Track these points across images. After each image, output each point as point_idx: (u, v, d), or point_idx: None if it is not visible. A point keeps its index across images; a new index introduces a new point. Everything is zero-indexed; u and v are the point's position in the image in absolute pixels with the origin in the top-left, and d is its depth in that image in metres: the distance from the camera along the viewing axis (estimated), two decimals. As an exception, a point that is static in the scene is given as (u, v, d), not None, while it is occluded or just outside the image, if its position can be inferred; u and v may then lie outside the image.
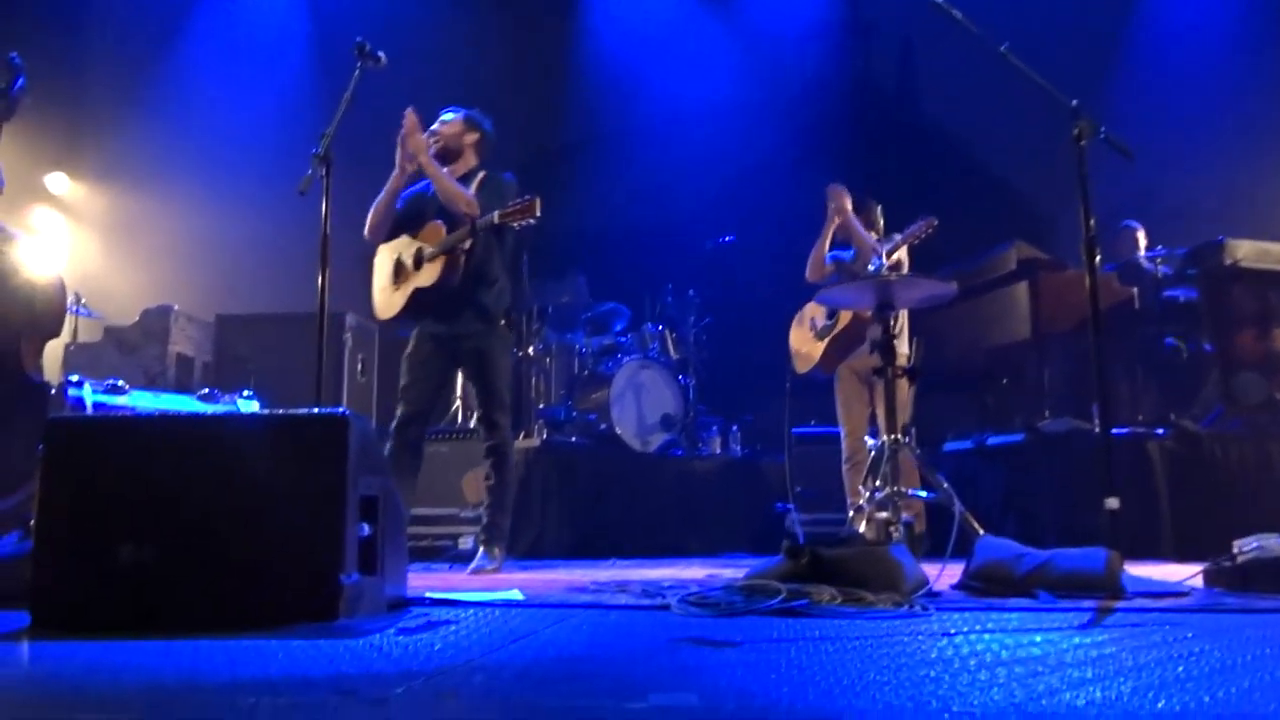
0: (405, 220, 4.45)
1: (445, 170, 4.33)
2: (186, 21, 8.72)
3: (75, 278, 7.81)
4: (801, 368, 5.34)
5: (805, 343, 5.33)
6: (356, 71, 3.67)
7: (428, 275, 4.27)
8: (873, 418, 4.94)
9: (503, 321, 4.44)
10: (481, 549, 4.40)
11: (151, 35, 8.65)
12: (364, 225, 4.45)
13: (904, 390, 3.57)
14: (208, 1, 8.76)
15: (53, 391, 4.63)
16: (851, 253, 5.00)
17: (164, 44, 8.67)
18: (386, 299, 4.47)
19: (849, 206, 4.95)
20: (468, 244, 4.20)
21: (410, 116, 4.26)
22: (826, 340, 5.08)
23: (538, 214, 4.03)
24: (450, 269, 4.22)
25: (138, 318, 7.10)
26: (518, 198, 4.16)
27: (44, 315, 4.00)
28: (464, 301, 4.32)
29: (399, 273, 4.40)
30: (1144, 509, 4.93)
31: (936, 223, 4.50)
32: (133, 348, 6.86)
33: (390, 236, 4.46)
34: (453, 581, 3.73)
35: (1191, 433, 5.15)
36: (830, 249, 5.18)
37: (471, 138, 4.51)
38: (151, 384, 6.55)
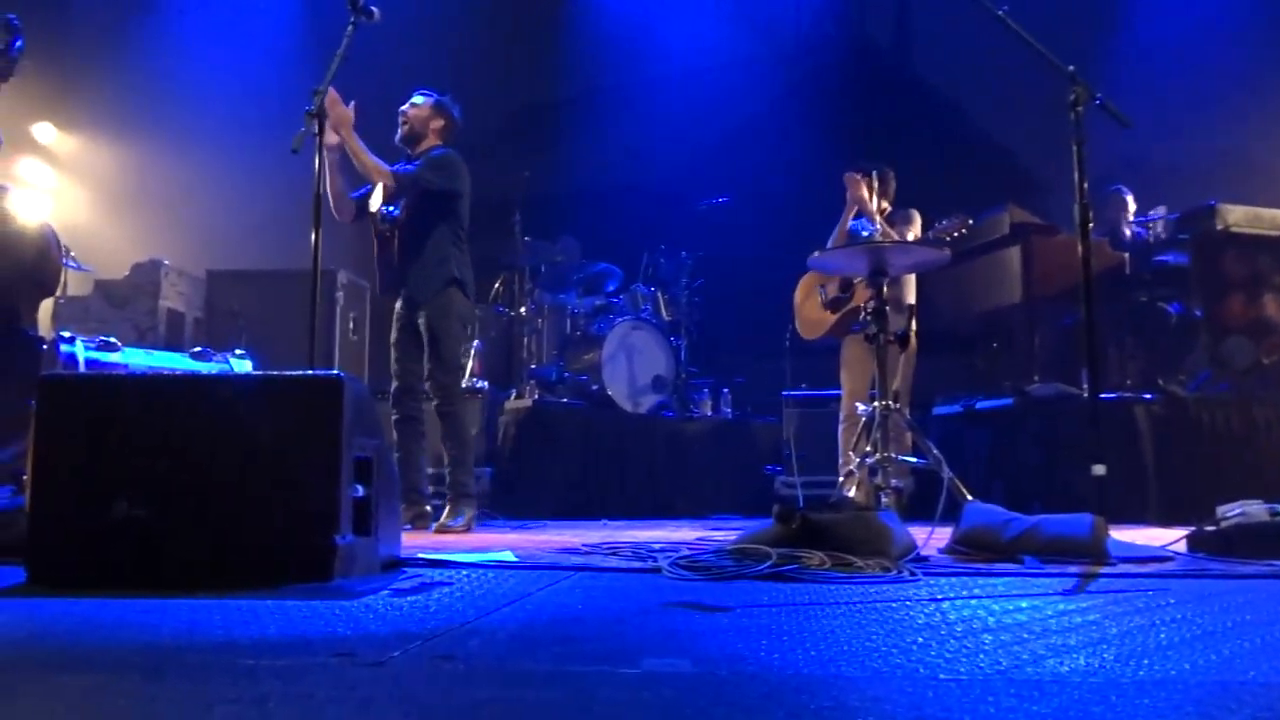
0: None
1: (367, 148, 4.43)
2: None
3: (64, 230, 7.66)
4: (809, 334, 5.31)
5: (815, 310, 5.26)
6: (350, 27, 3.62)
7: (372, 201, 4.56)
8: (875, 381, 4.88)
9: (450, 287, 4.50)
10: (448, 508, 4.48)
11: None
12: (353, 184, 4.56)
13: (900, 356, 3.57)
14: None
15: (44, 347, 4.63)
16: (874, 227, 4.88)
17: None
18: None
19: (865, 195, 4.90)
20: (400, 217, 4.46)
21: (331, 92, 4.17)
22: (841, 313, 5.01)
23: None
24: (392, 199, 4.52)
25: (128, 272, 7.06)
26: (449, 170, 4.44)
27: (40, 270, 3.98)
28: (405, 273, 4.50)
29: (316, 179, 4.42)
30: (1130, 473, 5.00)
31: (971, 221, 4.36)
32: (123, 302, 6.83)
33: (356, 217, 4.63)
34: (445, 542, 3.76)
35: (1179, 397, 5.20)
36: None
37: (437, 123, 4.63)
38: (142, 339, 6.53)
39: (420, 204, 4.48)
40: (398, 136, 4.62)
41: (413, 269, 4.50)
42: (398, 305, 4.61)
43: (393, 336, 4.62)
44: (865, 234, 4.94)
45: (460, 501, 4.49)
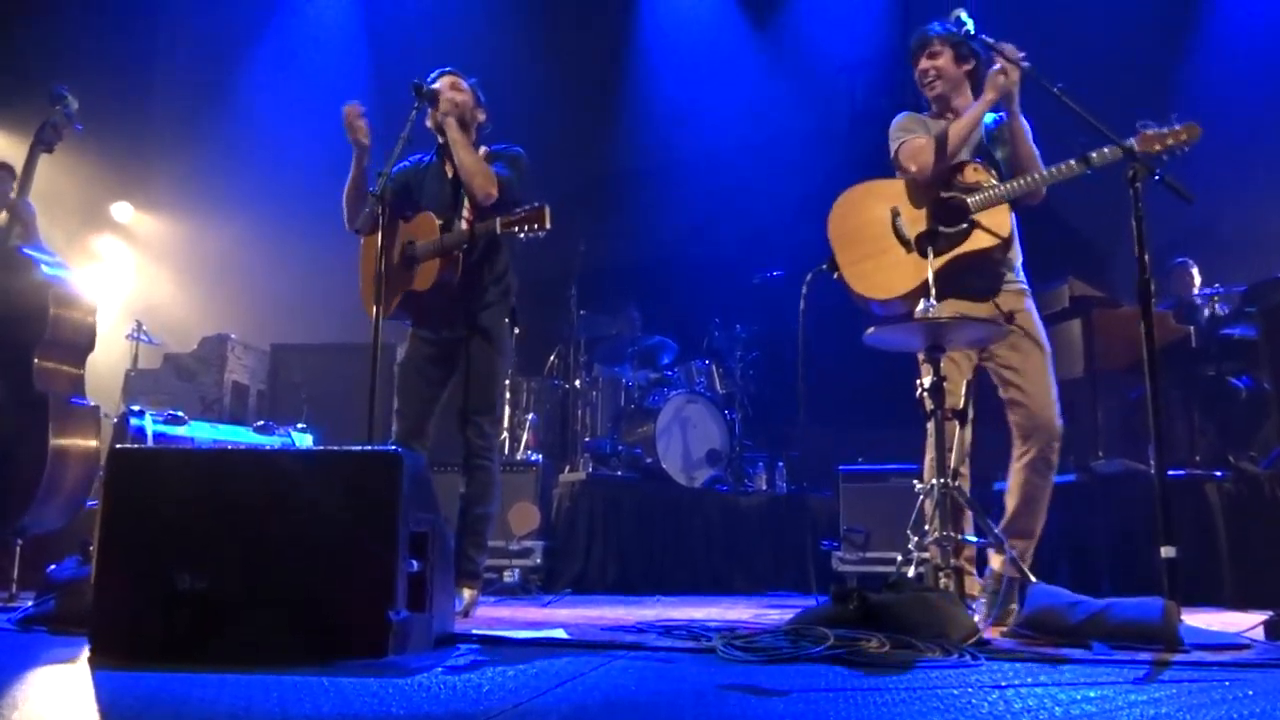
0: (393, 200, 3.83)
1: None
2: (249, 53, 8.97)
3: (138, 305, 8.04)
4: (872, 292, 3.65)
5: (884, 252, 3.66)
6: (413, 112, 3.74)
7: (422, 278, 3.82)
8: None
9: (506, 321, 3.98)
10: None
11: (215, 67, 8.92)
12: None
13: (958, 433, 3.45)
14: (270, 35, 8.99)
15: (114, 420, 4.76)
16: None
17: (228, 75, 8.92)
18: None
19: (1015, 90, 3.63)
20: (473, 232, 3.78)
21: (450, 78, 3.96)
22: (946, 259, 3.52)
23: (547, 224, 3.61)
24: (447, 270, 3.80)
25: (196, 345, 7.28)
26: (527, 175, 3.88)
27: (63, 331, 4.08)
28: (462, 304, 3.90)
29: (378, 258, 3.68)
30: (1203, 553, 4.83)
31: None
32: (191, 375, 7.02)
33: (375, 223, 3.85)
34: (498, 616, 3.75)
35: (1252, 474, 5.03)
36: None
37: (480, 116, 4.03)
38: (208, 411, 6.69)
39: (493, 215, 3.81)
40: (428, 122, 3.93)
41: (474, 294, 3.90)
42: (426, 332, 3.97)
43: (409, 364, 3.98)
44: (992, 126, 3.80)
45: (464, 580, 3.72)
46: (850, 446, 6.36)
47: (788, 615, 3.03)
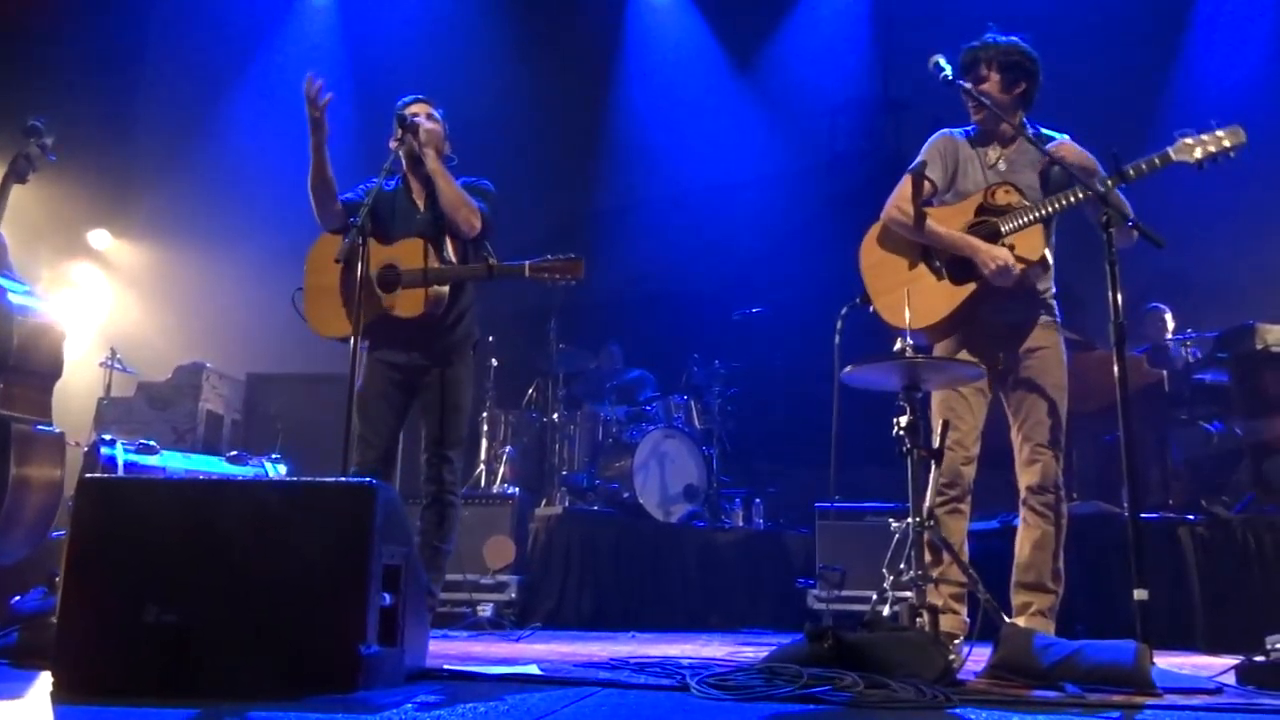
0: (355, 218, 3.68)
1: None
2: (232, 84, 8.98)
3: (113, 332, 7.98)
4: (900, 322, 3.32)
5: (914, 280, 3.57)
6: (396, 143, 3.74)
7: (408, 305, 3.73)
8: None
9: (470, 350, 3.97)
10: None
11: (198, 97, 8.91)
12: None
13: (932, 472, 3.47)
14: (253, 66, 9.01)
15: (85, 449, 4.71)
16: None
17: (209, 105, 8.91)
18: (334, 311, 3.84)
19: None
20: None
21: (424, 106, 3.93)
22: (978, 285, 3.50)
23: (581, 275, 3.70)
24: (437, 302, 3.76)
25: (171, 374, 7.21)
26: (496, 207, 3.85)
27: (29, 358, 4.02)
28: (438, 331, 3.85)
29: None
30: (1175, 597, 4.86)
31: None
32: (164, 404, 6.96)
33: (344, 225, 3.78)
34: (471, 651, 3.71)
35: (1223, 519, 5.07)
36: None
37: (447, 147, 3.96)
38: (181, 440, 6.62)
39: (470, 247, 3.86)
40: (395, 155, 3.82)
41: (446, 325, 3.86)
42: (393, 355, 3.84)
43: (371, 389, 3.79)
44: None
45: None
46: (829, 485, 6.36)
47: (763, 653, 3.01)
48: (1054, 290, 3.70)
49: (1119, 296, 3.22)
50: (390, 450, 3.84)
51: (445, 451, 3.82)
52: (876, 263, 3.73)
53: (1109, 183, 3.36)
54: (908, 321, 3.25)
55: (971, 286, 3.52)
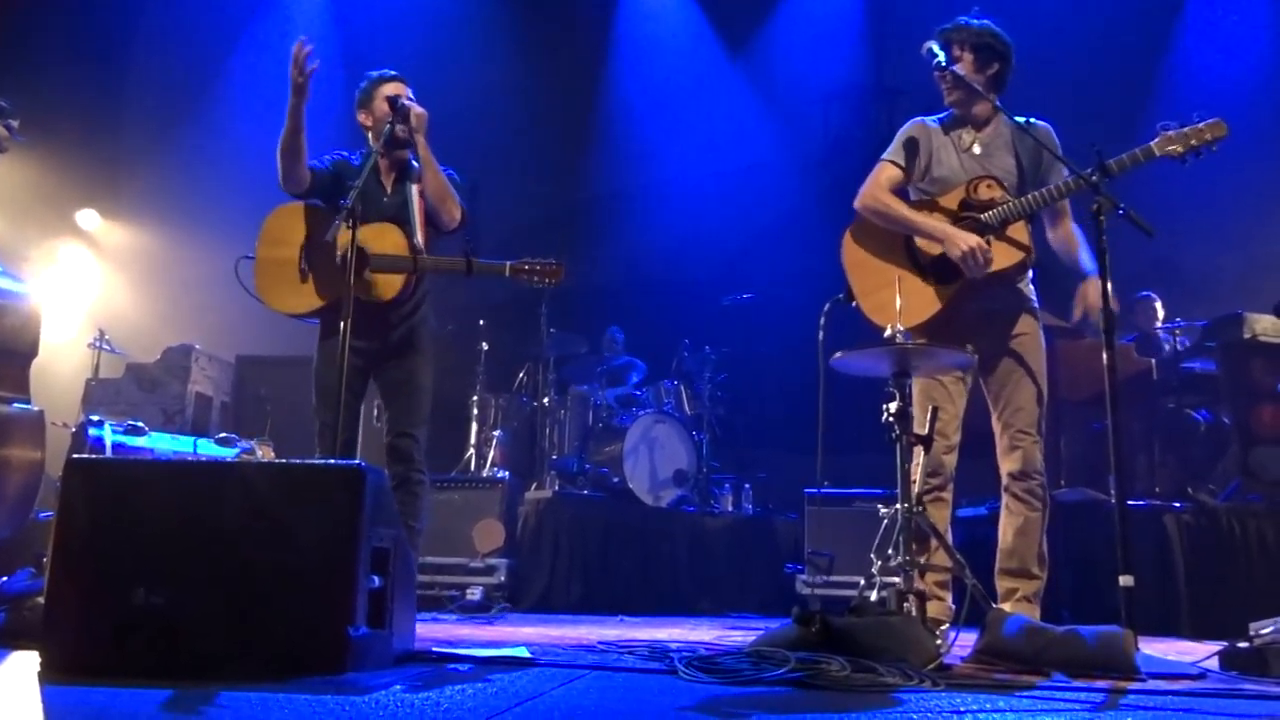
0: (323, 190, 3.78)
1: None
2: (222, 65, 8.90)
3: (101, 313, 7.93)
4: (886, 320, 3.29)
5: (900, 279, 3.40)
6: (386, 126, 3.71)
7: (382, 289, 3.64)
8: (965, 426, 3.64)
9: (428, 331, 3.94)
10: None
11: (188, 77, 8.84)
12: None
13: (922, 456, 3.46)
14: (244, 49, 8.94)
15: (73, 429, 4.69)
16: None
17: (200, 86, 8.84)
18: (291, 287, 3.81)
19: None
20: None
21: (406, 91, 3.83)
22: (962, 282, 3.48)
23: (560, 280, 3.78)
24: (409, 287, 3.72)
25: (160, 355, 7.18)
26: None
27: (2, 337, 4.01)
28: (402, 315, 3.81)
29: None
30: (1160, 584, 4.90)
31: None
32: (153, 385, 6.93)
33: (306, 192, 3.77)
34: (459, 634, 3.72)
35: (1209, 507, 5.11)
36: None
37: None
38: (169, 422, 6.60)
39: (434, 235, 3.82)
40: (388, 136, 3.69)
41: (410, 309, 3.82)
42: (354, 340, 3.38)
43: (331, 373, 3.42)
44: None
45: None
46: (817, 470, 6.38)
47: (751, 637, 3.02)
48: (1032, 276, 3.70)
49: (1109, 285, 3.24)
50: (354, 437, 3.80)
51: (412, 431, 3.78)
52: (860, 261, 3.72)
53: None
54: (899, 320, 3.23)
55: (956, 285, 3.51)
